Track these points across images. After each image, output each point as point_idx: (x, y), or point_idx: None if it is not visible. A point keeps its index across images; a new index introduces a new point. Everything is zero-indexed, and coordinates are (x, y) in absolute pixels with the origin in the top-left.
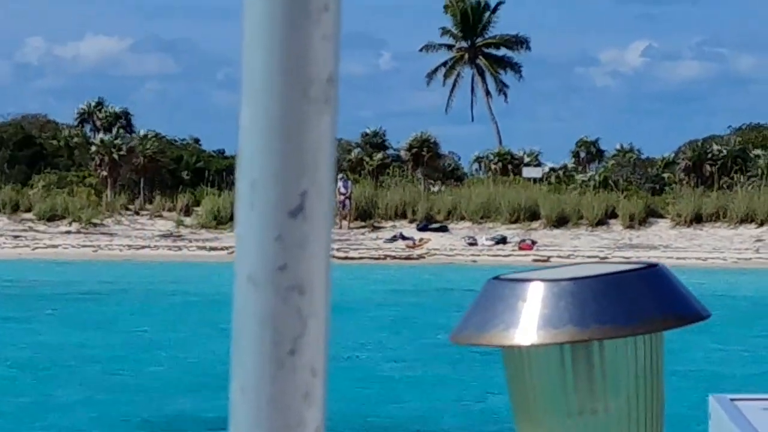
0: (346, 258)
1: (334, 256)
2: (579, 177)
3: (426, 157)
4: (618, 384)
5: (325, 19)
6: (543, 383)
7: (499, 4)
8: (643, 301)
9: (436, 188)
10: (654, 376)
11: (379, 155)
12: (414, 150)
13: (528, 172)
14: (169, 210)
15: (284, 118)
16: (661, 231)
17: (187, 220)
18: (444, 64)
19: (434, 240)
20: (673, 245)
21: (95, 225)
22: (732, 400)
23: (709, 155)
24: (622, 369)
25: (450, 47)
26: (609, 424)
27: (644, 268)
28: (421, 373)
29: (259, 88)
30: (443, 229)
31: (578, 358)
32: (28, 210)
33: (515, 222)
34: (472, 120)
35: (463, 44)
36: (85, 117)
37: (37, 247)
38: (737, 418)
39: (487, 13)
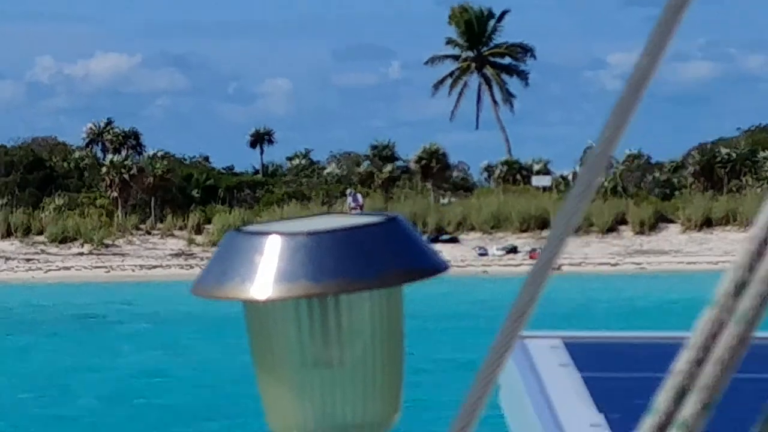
0: None
1: None
2: None
3: (435, 168)
4: (353, 337)
5: None
6: (279, 336)
7: (504, 12)
8: (380, 255)
9: (445, 200)
10: (392, 330)
11: (389, 168)
12: (423, 162)
13: (537, 180)
14: (180, 228)
15: None
16: (671, 236)
17: (199, 239)
18: (451, 74)
19: (445, 251)
20: (684, 250)
21: (107, 246)
22: (521, 337)
23: (718, 159)
24: (357, 323)
25: (456, 57)
26: (344, 376)
27: (382, 222)
28: None
29: None
30: (454, 240)
31: (313, 311)
32: (40, 233)
33: (525, 231)
34: (477, 128)
35: (469, 54)
36: (94, 137)
37: (49, 270)
38: (521, 355)
39: (492, 22)
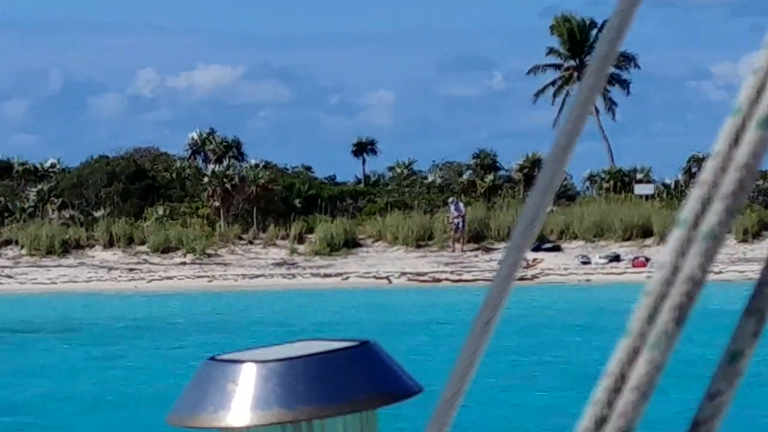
0: (459, 280)
1: (447, 279)
2: None
3: (537, 177)
4: None
5: None
6: None
7: (607, 21)
8: (351, 380)
9: (548, 208)
10: None
11: (491, 176)
12: (525, 170)
13: (639, 189)
14: (283, 238)
15: None
16: None
17: (301, 248)
18: (553, 83)
19: (547, 260)
20: None
21: (209, 255)
22: None
23: None
24: None
25: (558, 67)
26: None
27: (354, 347)
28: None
29: None
30: (556, 248)
31: None
32: (143, 243)
33: (628, 239)
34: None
35: (572, 63)
36: (196, 148)
37: (152, 279)
38: None
39: (594, 31)
